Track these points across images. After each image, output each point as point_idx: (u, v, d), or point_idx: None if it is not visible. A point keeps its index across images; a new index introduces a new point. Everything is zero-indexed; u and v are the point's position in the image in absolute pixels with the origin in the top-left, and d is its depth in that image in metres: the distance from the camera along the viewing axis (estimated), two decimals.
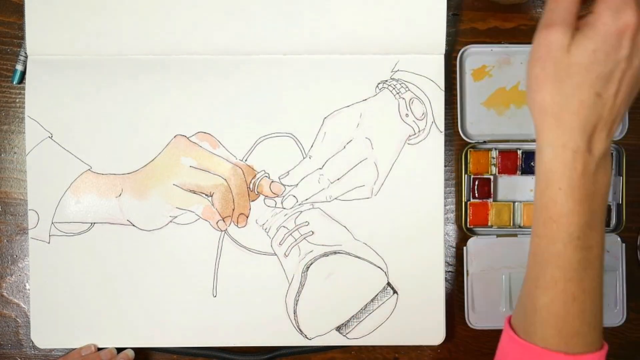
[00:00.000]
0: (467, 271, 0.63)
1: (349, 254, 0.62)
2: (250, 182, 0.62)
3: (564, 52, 0.44)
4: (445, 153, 0.62)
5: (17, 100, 0.63)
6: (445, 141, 0.62)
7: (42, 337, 0.61)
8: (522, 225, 0.64)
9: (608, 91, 0.44)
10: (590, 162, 0.45)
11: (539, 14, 0.64)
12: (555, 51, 0.44)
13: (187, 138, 0.62)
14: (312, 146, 0.62)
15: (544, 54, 0.44)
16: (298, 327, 0.62)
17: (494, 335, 0.64)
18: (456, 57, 0.63)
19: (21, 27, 0.62)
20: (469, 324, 0.63)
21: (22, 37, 0.61)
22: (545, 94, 0.45)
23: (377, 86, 0.62)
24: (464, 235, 0.64)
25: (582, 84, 0.44)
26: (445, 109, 0.63)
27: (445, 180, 0.63)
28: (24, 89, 0.61)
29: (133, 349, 0.62)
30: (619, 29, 0.43)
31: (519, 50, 0.63)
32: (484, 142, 0.63)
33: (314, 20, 0.61)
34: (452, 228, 0.64)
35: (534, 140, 0.63)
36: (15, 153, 0.63)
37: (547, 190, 0.46)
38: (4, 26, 0.63)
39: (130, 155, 0.61)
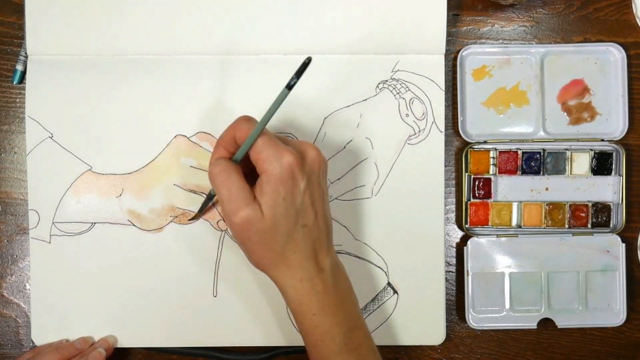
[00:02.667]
0: (467, 271, 0.63)
1: (349, 254, 0.62)
2: None
3: (261, 221, 0.49)
4: (445, 153, 0.62)
5: (17, 100, 0.63)
6: (445, 141, 0.62)
7: (43, 337, 0.61)
8: (522, 225, 0.64)
9: (310, 219, 0.50)
10: (326, 279, 0.51)
11: (540, 13, 0.64)
12: (255, 225, 0.49)
13: (187, 138, 0.62)
14: None
15: (246, 233, 0.49)
16: None
17: (494, 335, 0.64)
18: (456, 57, 0.63)
19: (21, 27, 0.62)
20: (469, 324, 0.63)
21: (22, 37, 0.61)
22: (264, 255, 0.50)
23: (377, 86, 0.62)
24: (464, 235, 0.64)
25: (289, 229, 0.49)
26: (445, 109, 0.63)
27: (445, 180, 0.63)
28: (24, 89, 0.61)
29: (133, 349, 0.62)
30: (287, 169, 0.48)
31: (519, 50, 0.63)
32: (484, 142, 0.63)
33: (314, 20, 0.61)
34: (452, 228, 0.64)
35: (534, 140, 0.63)
36: (15, 153, 0.63)
37: (305, 320, 0.51)
38: (4, 26, 0.63)
39: (130, 155, 0.61)
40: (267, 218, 0.49)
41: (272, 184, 0.48)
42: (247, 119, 0.51)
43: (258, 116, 0.57)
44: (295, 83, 0.48)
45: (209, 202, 0.60)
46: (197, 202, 0.61)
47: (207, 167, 0.61)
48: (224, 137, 0.51)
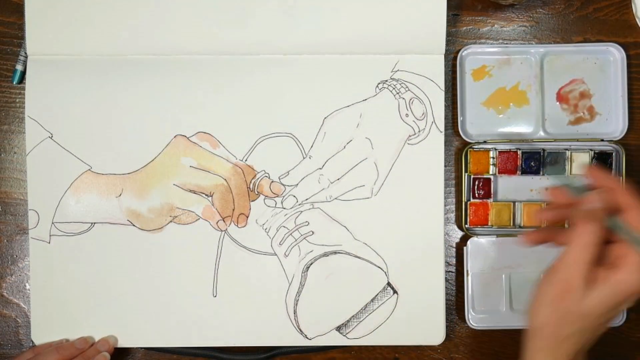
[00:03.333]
0: (467, 271, 0.63)
1: (349, 254, 0.62)
2: (250, 182, 0.62)
3: (576, 301, 0.46)
4: (445, 153, 0.62)
5: (17, 100, 0.63)
6: (445, 141, 0.62)
7: (42, 337, 0.61)
8: (522, 225, 0.64)
9: (603, 328, 0.48)
10: None
11: (539, 13, 0.64)
12: (568, 298, 0.46)
13: (187, 138, 0.62)
14: (312, 146, 0.62)
15: (557, 295, 0.47)
16: (298, 327, 0.62)
17: (494, 335, 0.64)
18: (456, 57, 0.63)
19: (21, 27, 0.62)
20: (469, 324, 0.63)
21: (22, 37, 0.61)
22: (551, 328, 0.48)
23: (377, 86, 0.62)
24: (464, 235, 0.64)
25: (585, 327, 0.47)
26: (445, 109, 0.63)
27: (445, 180, 0.63)
28: (24, 89, 0.61)
29: (133, 349, 0.62)
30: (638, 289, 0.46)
31: (519, 50, 0.63)
32: (484, 142, 0.63)
33: (314, 20, 0.61)
34: (452, 228, 0.64)
35: (534, 140, 0.63)
36: (15, 153, 0.63)
37: None
38: (4, 26, 0.63)
39: (130, 155, 0.61)
40: (583, 305, 0.46)
41: (614, 289, 0.46)
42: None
43: (259, 114, 0.57)
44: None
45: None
46: (197, 202, 0.61)
47: (207, 167, 0.61)
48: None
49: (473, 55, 0.63)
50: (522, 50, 0.63)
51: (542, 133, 0.63)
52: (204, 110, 0.61)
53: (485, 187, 0.63)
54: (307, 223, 0.62)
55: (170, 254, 0.61)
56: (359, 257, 0.62)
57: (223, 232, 0.62)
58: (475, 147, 0.63)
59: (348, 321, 0.62)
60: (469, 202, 0.63)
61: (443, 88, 0.62)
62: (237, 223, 0.61)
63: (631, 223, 0.46)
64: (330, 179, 0.62)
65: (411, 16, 0.61)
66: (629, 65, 0.63)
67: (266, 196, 0.62)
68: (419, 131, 0.62)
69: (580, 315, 0.47)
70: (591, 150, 0.63)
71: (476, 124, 0.63)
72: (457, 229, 0.64)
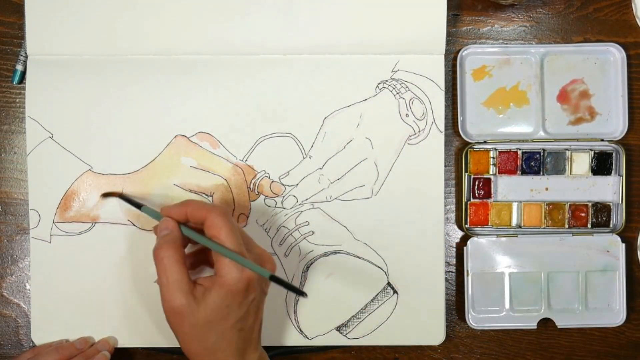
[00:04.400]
0: (467, 271, 0.63)
1: (349, 254, 0.62)
2: (251, 182, 0.62)
3: (196, 316, 0.49)
4: (445, 153, 0.62)
5: (17, 100, 0.63)
6: (445, 141, 0.62)
7: (43, 337, 0.61)
8: (522, 225, 0.64)
9: (248, 324, 0.51)
10: None
11: (540, 13, 0.64)
12: (188, 319, 0.49)
13: (187, 138, 0.62)
14: (312, 146, 0.62)
15: (179, 323, 0.50)
16: (298, 327, 0.62)
17: (494, 335, 0.64)
18: (456, 57, 0.63)
19: (21, 27, 0.62)
20: (469, 324, 0.63)
21: (22, 37, 0.61)
22: (195, 346, 0.50)
23: (377, 86, 0.62)
24: (464, 235, 0.64)
25: (224, 330, 0.50)
26: (445, 109, 0.63)
27: (445, 180, 0.63)
28: (24, 89, 0.61)
29: (133, 349, 0.62)
30: (245, 283, 0.49)
31: (519, 50, 0.63)
32: (484, 142, 0.63)
33: (314, 20, 0.61)
34: (452, 228, 0.64)
35: (534, 140, 0.63)
36: (15, 153, 0.63)
37: None
38: (4, 26, 0.63)
39: (130, 155, 0.61)
40: (202, 316, 0.49)
41: (222, 292, 0.49)
42: (222, 213, 0.51)
43: (259, 114, 0.57)
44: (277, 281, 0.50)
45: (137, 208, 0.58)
46: None
47: (207, 167, 0.61)
48: (175, 210, 0.52)
49: (473, 55, 0.63)
50: (522, 50, 0.63)
51: (542, 133, 0.63)
52: (204, 110, 0.61)
53: (485, 187, 0.63)
54: (307, 223, 0.62)
55: None
56: (359, 257, 0.62)
57: None
58: (475, 147, 0.63)
59: (348, 321, 0.62)
60: (469, 202, 0.63)
61: (443, 88, 0.62)
62: (238, 223, 0.61)
63: (210, 231, 0.50)
64: (330, 179, 0.62)
65: (411, 16, 0.61)
66: (629, 65, 0.63)
67: (266, 196, 0.62)
68: (419, 131, 0.62)
69: (205, 327, 0.49)
70: (591, 150, 0.63)
71: (476, 124, 0.63)
72: (457, 229, 0.64)
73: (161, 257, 0.50)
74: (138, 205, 0.57)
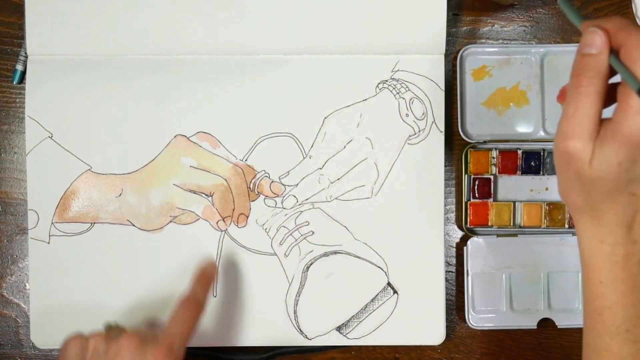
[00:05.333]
0: (467, 271, 0.63)
1: (349, 254, 0.62)
2: (251, 182, 0.62)
3: (585, 167, 0.42)
4: (445, 153, 0.62)
5: (17, 100, 0.63)
6: (445, 141, 0.62)
7: (42, 337, 0.61)
8: (522, 225, 0.64)
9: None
10: (633, 253, 0.43)
11: (540, 13, 0.64)
12: (577, 165, 0.42)
13: (187, 138, 0.62)
14: (312, 146, 0.62)
15: (565, 166, 0.43)
16: (298, 327, 0.62)
17: (494, 335, 0.64)
18: (456, 57, 0.63)
19: (21, 27, 0.62)
20: (469, 324, 0.63)
21: (22, 37, 0.61)
22: (575, 197, 0.44)
23: (377, 86, 0.62)
24: (464, 235, 0.64)
25: (613, 191, 0.42)
26: (445, 109, 0.63)
27: (445, 180, 0.63)
28: (24, 89, 0.61)
29: None
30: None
31: (519, 50, 0.63)
32: (484, 142, 0.63)
33: (314, 20, 0.61)
34: (452, 228, 0.64)
35: (534, 140, 0.63)
36: (15, 153, 0.63)
37: (588, 283, 0.45)
38: (4, 26, 0.63)
39: (130, 155, 0.61)
40: (594, 170, 0.41)
41: (617, 141, 0.40)
42: None
43: (259, 114, 0.57)
44: None
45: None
46: (197, 202, 0.61)
47: (207, 167, 0.61)
48: (604, 25, 0.41)
49: (473, 55, 0.63)
50: (522, 50, 0.63)
51: (542, 133, 0.63)
52: (204, 110, 0.61)
53: (485, 187, 0.63)
54: (307, 223, 0.62)
55: (170, 254, 0.61)
56: (359, 257, 0.62)
57: (223, 232, 0.62)
58: (475, 147, 0.63)
59: (348, 321, 0.62)
60: (469, 202, 0.63)
61: (443, 88, 0.62)
62: (237, 223, 0.61)
63: (626, 59, 0.40)
64: (330, 179, 0.62)
65: (411, 16, 0.61)
66: None
67: (266, 196, 0.62)
68: (419, 131, 0.62)
69: (589, 181, 0.42)
70: None
71: (476, 124, 0.63)
72: (457, 229, 0.64)
73: (580, 85, 0.41)
74: None
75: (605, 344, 0.45)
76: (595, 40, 0.41)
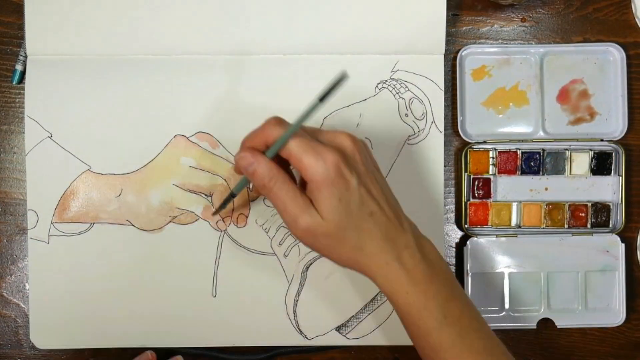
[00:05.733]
0: (466, 271, 0.63)
1: None
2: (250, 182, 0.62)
3: (324, 225, 0.48)
4: (445, 153, 0.62)
5: (17, 100, 0.63)
6: (445, 141, 0.63)
7: (42, 337, 0.61)
8: (522, 225, 0.64)
9: (374, 207, 0.49)
10: (413, 253, 0.50)
11: (539, 13, 0.64)
12: (319, 231, 0.48)
13: (187, 138, 0.62)
14: None
15: (315, 239, 0.49)
16: (298, 327, 0.62)
17: None
18: (456, 57, 0.63)
19: (21, 27, 0.62)
20: None
21: (22, 37, 0.61)
22: (342, 253, 0.49)
23: (376, 86, 0.62)
24: (463, 235, 0.64)
25: (356, 222, 0.48)
26: (445, 109, 0.63)
27: (445, 180, 0.63)
28: (23, 89, 0.61)
29: (132, 349, 0.62)
30: (334, 170, 0.47)
31: (519, 50, 0.63)
32: (484, 142, 0.63)
33: (314, 20, 0.61)
34: (451, 228, 0.64)
35: (533, 140, 0.63)
36: (14, 153, 0.63)
37: (399, 301, 0.50)
38: (4, 26, 0.63)
39: (130, 155, 0.61)
40: (330, 221, 0.48)
41: (323, 190, 0.47)
42: (279, 122, 0.49)
43: (259, 114, 0.57)
44: (327, 95, 0.48)
45: (230, 199, 0.58)
46: (197, 202, 0.61)
47: (207, 167, 0.61)
48: (252, 138, 0.50)
49: (473, 55, 0.63)
50: (522, 50, 0.64)
51: (542, 133, 0.63)
52: (204, 110, 0.61)
53: (485, 187, 0.63)
54: None
55: (169, 254, 0.61)
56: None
57: (223, 232, 0.61)
58: (475, 147, 0.63)
59: (348, 321, 0.62)
60: (468, 202, 0.63)
61: (443, 88, 0.62)
62: (237, 223, 0.61)
63: (272, 140, 0.48)
64: None
65: (411, 16, 0.61)
66: (629, 65, 0.63)
67: None
68: (419, 131, 0.62)
69: (336, 230, 0.48)
70: (591, 150, 0.63)
71: (476, 124, 0.63)
72: (457, 229, 0.64)
73: (266, 183, 0.48)
74: (232, 195, 0.56)
75: (437, 339, 0.49)
76: (246, 161, 0.49)
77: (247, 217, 0.62)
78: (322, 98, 0.48)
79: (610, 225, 0.64)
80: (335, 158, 0.47)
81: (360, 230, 0.48)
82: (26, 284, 0.63)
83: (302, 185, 0.50)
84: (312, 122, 0.61)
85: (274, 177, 0.48)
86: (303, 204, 0.48)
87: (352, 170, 0.48)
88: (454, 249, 0.64)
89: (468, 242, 0.63)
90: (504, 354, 0.51)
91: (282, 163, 0.49)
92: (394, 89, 0.62)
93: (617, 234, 0.63)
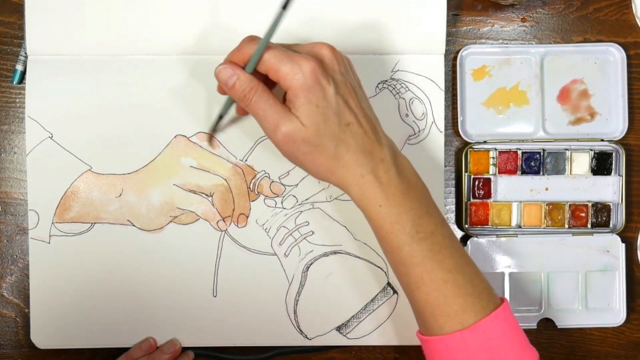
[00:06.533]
0: None
1: (349, 254, 0.62)
2: (251, 182, 0.62)
3: (304, 131, 0.48)
4: (445, 153, 0.62)
5: (17, 100, 0.63)
6: (445, 141, 0.63)
7: (42, 337, 0.61)
8: (521, 225, 0.64)
9: (350, 118, 0.49)
10: (388, 168, 0.50)
11: (539, 13, 0.64)
12: (299, 136, 0.49)
13: (187, 138, 0.62)
14: None
15: (294, 146, 0.49)
16: (298, 327, 0.62)
17: None
18: (456, 57, 0.63)
19: (21, 27, 0.62)
20: None
21: (22, 37, 0.61)
22: (320, 163, 0.50)
23: (377, 86, 0.62)
24: (464, 235, 0.64)
25: (334, 131, 0.49)
26: (445, 109, 0.63)
27: (445, 180, 0.63)
28: (24, 89, 0.61)
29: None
30: (311, 76, 0.48)
31: (519, 50, 0.63)
32: (484, 142, 0.63)
33: (314, 20, 0.61)
34: (452, 228, 0.64)
35: (534, 140, 0.63)
36: (15, 153, 0.63)
37: (372, 214, 0.50)
38: (4, 26, 0.63)
39: (130, 155, 0.61)
40: (309, 126, 0.48)
41: (301, 95, 0.48)
42: (253, 39, 0.50)
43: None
44: (288, 3, 0.49)
45: (219, 121, 0.59)
46: (197, 202, 0.61)
47: (207, 167, 0.61)
48: (230, 57, 0.51)
49: (473, 55, 0.63)
50: (522, 50, 0.64)
51: (542, 133, 0.63)
52: (204, 110, 0.61)
53: (485, 187, 0.63)
54: (307, 223, 0.62)
55: (170, 254, 0.61)
56: (359, 257, 0.62)
57: (223, 232, 0.62)
58: (475, 147, 0.63)
59: (348, 321, 0.62)
60: (469, 202, 0.63)
61: (443, 88, 0.62)
62: (237, 223, 0.61)
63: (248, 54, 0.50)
64: None
65: (411, 16, 0.61)
66: (629, 65, 0.63)
67: (266, 196, 0.62)
68: (419, 131, 0.62)
69: (315, 136, 0.49)
70: (591, 150, 0.63)
71: (476, 124, 0.63)
72: (457, 229, 0.64)
73: (245, 93, 0.50)
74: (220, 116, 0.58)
75: (407, 253, 0.49)
76: (226, 73, 0.50)
77: (247, 217, 0.62)
78: (285, 5, 0.49)
79: (611, 225, 0.64)
80: (312, 65, 0.48)
81: (337, 139, 0.49)
82: (26, 284, 0.63)
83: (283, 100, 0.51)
84: None
85: (254, 87, 0.49)
86: (283, 110, 0.49)
87: (329, 78, 0.49)
88: None
89: (468, 242, 0.63)
90: (475, 274, 0.51)
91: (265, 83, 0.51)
92: (394, 89, 0.62)
93: (617, 234, 0.63)
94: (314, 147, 0.49)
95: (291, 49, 0.50)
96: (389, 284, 0.62)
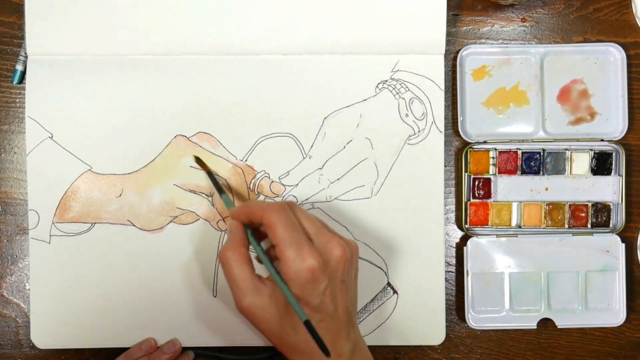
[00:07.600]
0: (467, 271, 0.63)
1: None
2: (251, 182, 0.62)
3: (266, 312, 0.49)
4: (445, 153, 0.62)
5: (17, 100, 0.63)
6: (445, 141, 0.63)
7: (42, 337, 0.61)
8: (522, 225, 0.64)
9: (328, 312, 0.49)
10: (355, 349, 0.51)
11: (539, 13, 0.64)
12: (258, 314, 0.49)
13: (187, 138, 0.62)
14: (312, 146, 0.62)
15: (252, 319, 0.50)
16: None
17: (493, 335, 0.64)
18: (456, 57, 0.63)
19: (21, 27, 0.62)
20: (469, 324, 0.63)
21: (22, 37, 0.61)
22: (279, 341, 0.50)
23: (377, 86, 0.62)
24: (463, 235, 0.64)
25: (299, 324, 0.48)
26: (445, 109, 0.63)
27: (445, 180, 0.63)
28: (24, 89, 0.61)
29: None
30: (308, 274, 0.48)
31: (519, 50, 0.63)
32: (484, 142, 0.63)
33: (314, 20, 0.61)
34: (452, 228, 0.64)
35: (534, 140, 0.63)
36: (15, 153, 0.63)
37: None
38: (4, 26, 0.63)
39: (130, 155, 0.61)
40: (273, 311, 0.49)
41: (292, 285, 0.48)
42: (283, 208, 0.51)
43: (259, 114, 0.57)
44: None
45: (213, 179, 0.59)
46: (197, 202, 0.61)
47: (207, 167, 0.61)
48: (238, 212, 0.52)
49: (473, 55, 0.63)
50: (522, 50, 0.64)
51: (542, 133, 0.63)
52: (204, 110, 0.61)
53: (485, 187, 0.63)
54: None
55: (170, 254, 0.61)
56: (359, 257, 0.62)
57: (223, 232, 0.62)
58: (475, 147, 0.63)
59: None
60: (469, 202, 0.63)
61: (443, 88, 0.62)
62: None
63: (268, 230, 0.50)
64: (330, 179, 0.62)
65: (411, 16, 0.61)
66: (629, 65, 0.63)
67: (266, 196, 0.62)
68: (419, 131, 0.62)
69: (280, 322, 0.49)
70: (591, 150, 0.63)
71: (476, 124, 0.63)
72: (457, 229, 0.64)
73: (225, 259, 0.50)
74: (220, 190, 0.57)
75: None
76: (231, 226, 0.52)
77: None
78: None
79: (611, 225, 0.64)
80: (315, 265, 0.48)
81: (301, 330, 0.49)
82: (27, 284, 0.63)
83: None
84: (314, 123, 0.62)
85: (237, 258, 0.50)
86: (253, 286, 0.49)
87: (326, 277, 0.49)
88: (454, 249, 0.64)
89: (468, 242, 0.63)
90: None
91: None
92: (394, 89, 0.62)
93: (617, 234, 0.63)
94: (275, 329, 0.50)
95: (316, 228, 0.51)
96: (388, 284, 0.62)
